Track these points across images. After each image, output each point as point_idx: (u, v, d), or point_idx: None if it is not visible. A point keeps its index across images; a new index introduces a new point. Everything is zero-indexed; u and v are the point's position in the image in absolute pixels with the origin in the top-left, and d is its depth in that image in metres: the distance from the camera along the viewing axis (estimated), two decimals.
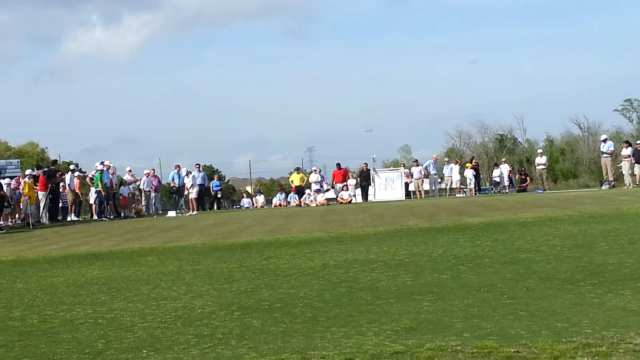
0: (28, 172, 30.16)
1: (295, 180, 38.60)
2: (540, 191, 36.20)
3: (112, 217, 31.26)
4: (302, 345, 7.21)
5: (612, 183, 30.92)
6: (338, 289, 10.65)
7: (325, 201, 35.66)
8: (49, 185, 29.97)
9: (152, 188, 35.18)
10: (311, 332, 7.86)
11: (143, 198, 35.23)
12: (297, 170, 43.15)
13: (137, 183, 34.74)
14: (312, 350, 6.93)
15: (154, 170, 37.85)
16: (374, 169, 39.57)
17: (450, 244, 15.08)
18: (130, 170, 35.15)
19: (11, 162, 35.40)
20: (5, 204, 28.12)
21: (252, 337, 7.80)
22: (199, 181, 34.96)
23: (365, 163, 39.69)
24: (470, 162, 40.91)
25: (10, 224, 28.36)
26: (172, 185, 36.31)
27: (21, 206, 29.52)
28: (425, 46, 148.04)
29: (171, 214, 31.76)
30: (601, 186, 32.20)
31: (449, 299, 9.36)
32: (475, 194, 37.73)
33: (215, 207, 37.85)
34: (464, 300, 9.19)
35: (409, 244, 15.51)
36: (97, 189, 30.96)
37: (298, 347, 7.13)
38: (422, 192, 37.17)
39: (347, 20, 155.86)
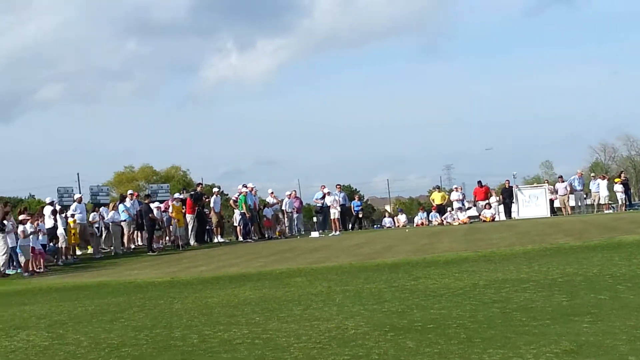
0: (176, 195, 31.29)
1: (437, 198, 38.38)
2: None
3: (256, 238, 31.95)
4: None
5: None
6: (491, 310, 10.47)
7: (468, 219, 35.25)
8: (196, 208, 31.01)
9: (294, 209, 35.76)
10: (468, 354, 7.76)
11: (285, 219, 35.85)
12: (438, 188, 42.90)
13: (279, 204, 35.39)
14: None
15: (295, 191, 38.51)
16: (516, 185, 38.84)
17: (605, 262, 14.58)
18: (272, 192, 35.86)
19: (162, 187, 36.90)
20: (156, 227, 29.28)
21: (408, 358, 7.78)
22: (340, 201, 35.28)
23: (507, 180, 39.05)
24: (619, 177, 39.47)
25: (161, 246, 29.47)
26: (317, 203, 36.73)
27: (170, 229, 30.66)
28: (563, 58, 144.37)
29: (314, 234, 32.17)
30: None
31: (610, 320, 9.04)
32: (625, 209, 36.36)
33: (357, 227, 38.04)
34: (626, 321, 8.85)
35: (560, 262, 15.10)
36: (242, 211, 31.74)
37: None
38: (569, 209, 36.16)
39: (481, 35, 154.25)
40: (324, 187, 36.99)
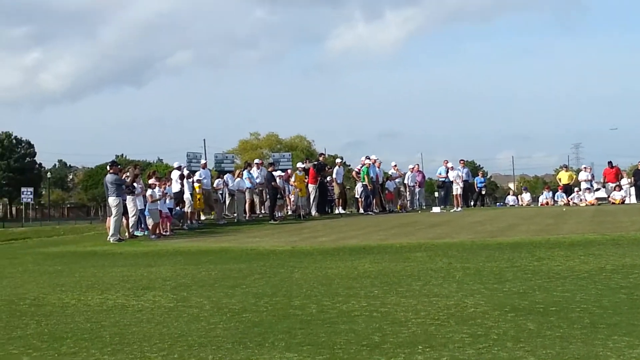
0: (299, 165, 31.59)
1: (563, 178, 37.36)
2: None
3: (377, 211, 31.97)
4: (582, 353, 6.94)
5: None
6: (617, 295, 10.14)
7: (596, 201, 34.20)
8: (319, 179, 31.27)
9: (416, 183, 35.58)
10: (591, 340, 7.54)
11: (407, 193, 35.73)
12: (565, 167, 41.76)
13: (402, 178, 35.26)
14: (593, 358, 6.67)
15: (417, 165, 38.28)
16: None
17: None
18: (395, 165, 35.74)
19: (284, 156, 37.29)
20: (279, 195, 29.70)
21: (528, 340, 7.63)
22: (463, 177, 34.85)
23: (639, 161, 37.58)
24: None
25: (282, 215, 29.90)
26: (439, 178, 36.47)
27: (291, 198, 31.05)
28: None
29: (436, 209, 31.95)
30: None
31: None
32: None
33: (479, 204, 37.54)
34: None
35: None
36: (364, 183, 31.79)
37: (578, 354, 6.87)
38: None
39: (615, 9, 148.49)
40: (447, 162, 36.61)
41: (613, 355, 6.80)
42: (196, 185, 28.05)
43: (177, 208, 27.04)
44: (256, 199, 31.01)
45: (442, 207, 33.12)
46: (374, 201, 32.48)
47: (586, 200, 34.03)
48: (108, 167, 24.79)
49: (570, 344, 7.42)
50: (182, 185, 27.36)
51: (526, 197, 40.42)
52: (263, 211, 31.48)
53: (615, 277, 11.77)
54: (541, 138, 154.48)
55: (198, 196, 27.85)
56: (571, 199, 34.83)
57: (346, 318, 9.34)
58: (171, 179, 27.49)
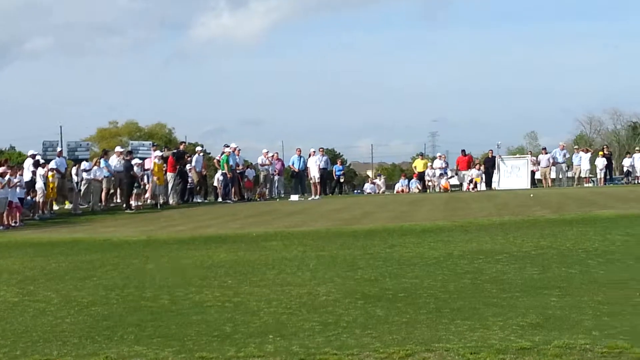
0: (157, 153, 31.04)
1: (419, 166, 38.30)
2: None
3: (236, 199, 31.87)
4: (427, 337, 7.18)
5: None
6: (462, 280, 10.54)
7: (449, 185, 35.31)
8: (178, 167, 30.86)
9: (275, 171, 35.64)
10: (435, 324, 7.82)
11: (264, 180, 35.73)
12: (421, 155, 42.92)
13: (269, 165, 35.15)
14: (436, 342, 6.89)
15: (277, 153, 38.33)
16: (499, 155, 38.90)
17: (579, 237, 14.68)
18: (266, 152, 35.56)
19: (143, 144, 36.54)
20: (135, 184, 29.12)
21: (376, 327, 7.82)
22: (322, 165, 35.16)
23: (490, 150, 39.13)
24: (602, 151, 39.59)
25: (139, 204, 29.35)
26: (292, 169, 36.71)
27: (149, 186, 30.51)
28: (557, 32, 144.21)
29: (294, 197, 32.13)
30: None
31: (578, 294, 9.12)
32: (604, 183, 36.54)
33: (337, 192, 38.01)
34: (594, 296, 8.93)
35: (535, 235, 15.19)
36: (223, 171, 31.60)
37: (422, 339, 7.10)
38: (549, 181, 36.28)
39: (479, 5, 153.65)
40: (300, 151, 36.92)
41: (455, 338, 7.06)
42: (50, 174, 27.12)
43: (29, 197, 26.07)
44: (113, 188, 30.29)
45: (300, 195, 33.36)
46: (233, 189, 32.38)
47: (441, 185, 35.10)
48: None
49: (415, 329, 7.66)
50: (34, 173, 26.39)
51: (379, 182, 41.41)
52: (120, 200, 30.80)
53: (462, 262, 12.23)
54: (399, 127, 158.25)
55: (51, 185, 26.94)
56: (427, 183, 35.82)
57: (198, 309, 9.30)
58: (23, 168, 26.45)
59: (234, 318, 8.61)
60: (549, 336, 6.90)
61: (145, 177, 30.23)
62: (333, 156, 56.25)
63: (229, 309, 9.17)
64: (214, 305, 9.47)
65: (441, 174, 36.09)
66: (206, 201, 32.19)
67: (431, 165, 36.91)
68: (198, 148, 38.04)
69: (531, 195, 24.58)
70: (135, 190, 29.05)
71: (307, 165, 34.88)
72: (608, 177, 37.82)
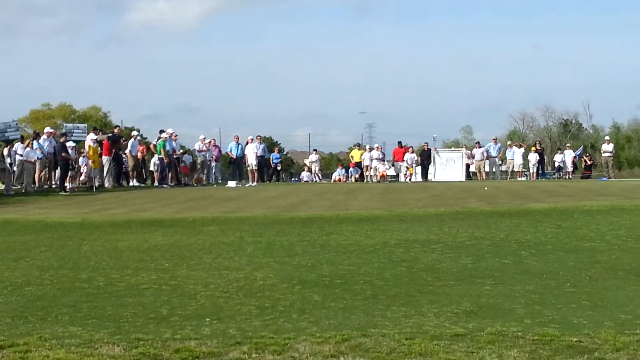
0: (92, 136, 30.61)
1: (356, 156, 38.53)
2: (604, 179, 35.63)
3: (172, 184, 31.65)
4: (363, 323, 7.27)
5: None
6: (398, 268, 10.67)
7: (386, 173, 35.62)
8: (113, 150, 30.50)
9: (212, 157, 35.49)
10: (371, 310, 7.91)
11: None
12: (358, 146, 43.08)
13: (207, 152, 34.98)
14: (372, 328, 6.98)
15: (214, 139, 38.16)
16: (434, 148, 39.35)
17: (513, 228, 14.97)
18: (203, 138, 35.38)
19: (78, 126, 35.92)
20: (70, 166, 28.69)
21: (313, 312, 7.88)
22: (259, 152, 35.13)
23: (426, 142, 39.55)
24: (535, 146, 40.41)
25: (74, 186, 28.93)
26: (230, 156, 36.61)
27: (83, 169, 30.10)
28: (494, 27, 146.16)
29: (231, 184, 32.04)
30: None
31: (510, 284, 9.32)
32: (537, 178, 37.29)
33: (274, 179, 38.03)
34: (526, 286, 9.14)
35: (470, 226, 15.43)
36: (160, 156, 31.35)
37: (358, 324, 7.18)
38: (484, 174, 36.85)
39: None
40: (238, 138, 36.84)
41: (390, 324, 7.16)
42: None
43: None
44: (46, 170, 29.77)
45: (237, 181, 33.27)
46: (170, 174, 32.15)
47: (379, 171, 35.42)
48: None
49: (352, 314, 7.74)
50: None
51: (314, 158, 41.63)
52: (54, 182, 30.29)
53: (398, 251, 12.37)
54: (337, 117, 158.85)
55: None
56: (364, 162, 36.14)
57: (134, 291, 9.23)
58: None
59: (170, 301, 8.58)
60: (482, 323, 7.04)
61: (81, 159, 29.83)
62: (271, 144, 56.17)
63: (166, 292, 9.13)
64: (150, 288, 9.41)
65: (379, 161, 36.29)
66: (142, 185, 31.85)
67: (369, 152, 37.14)
68: (134, 132, 37.70)
69: (485, 188, 24.84)
70: (69, 173, 28.63)
71: (245, 153, 34.82)
72: (540, 171, 38.61)
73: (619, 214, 16.89)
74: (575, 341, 6.31)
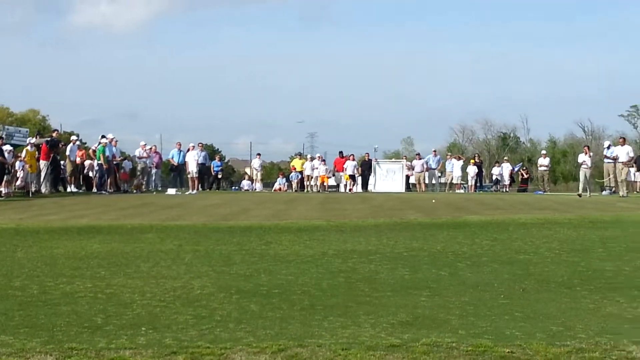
0: (30, 140, 30.14)
1: (297, 165, 38.68)
2: (540, 192, 36.30)
3: (111, 190, 31.30)
4: (300, 333, 7.29)
5: (613, 189, 30.70)
6: (336, 279, 10.72)
7: (326, 178, 35.89)
8: (52, 155, 30.03)
9: (153, 164, 35.22)
10: (309, 320, 7.94)
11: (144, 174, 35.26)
12: (300, 155, 43.22)
13: (147, 158, 34.68)
14: (309, 338, 7.00)
15: (155, 146, 37.91)
16: (375, 159, 39.67)
17: (450, 240, 15.15)
18: (144, 145, 35.11)
19: (19, 130, 35.35)
20: (6, 171, 28.16)
21: (250, 322, 7.88)
22: (200, 160, 34.98)
23: (366, 153, 39.85)
24: (474, 159, 41.01)
25: (9, 191, 28.41)
26: (171, 163, 36.39)
27: (19, 174, 29.57)
28: (436, 40, 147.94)
29: (171, 191, 31.81)
30: (602, 191, 32.12)
31: (446, 295, 9.44)
32: (475, 190, 37.82)
33: (215, 188, 37.89)
34: (461, 297, 9.27)
35: (408, 237, 15.58)
36: (99, 162, 30.98)
37: (295, 334, 7.20)
38: (423, 186, 37.23)
39: (357, 9, 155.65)
40: (180, 145, 36.70)
41: (327, 334, 7.19)
42: None
43: None
44: None
45: (177, 189, 33.05)
46: (109, 180, 31.79)
47: (319, 174, 35.77)
48: None
49: (289, 324, 7.76)
50: None
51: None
52: None
53: (336, 261, 12.43)
54: (279, 126, 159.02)
55: None
56: (305, 168, 36.40)
57: (69, 299, 9.12)
58: None
59: (106, 309, 8.49)
60: (418, 334, 7.12)
61: (17, 163, 29.32)
62: (212, 152, 55.96)
63: (101, 301, 9.04)
64: (85, 296, 9.31)
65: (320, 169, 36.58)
66: (80, 191, 31.41)
67: (310, 161, 37.37)
68: (73, 137, 37.24)
69: (433, 200, 25.01)
70: (5, 177, 28.10)
71: (186, 160, 34.65)
72: (478, 184, 39.23)
73: (553, 227, 17.22)
74: (508, 352, 6.42)
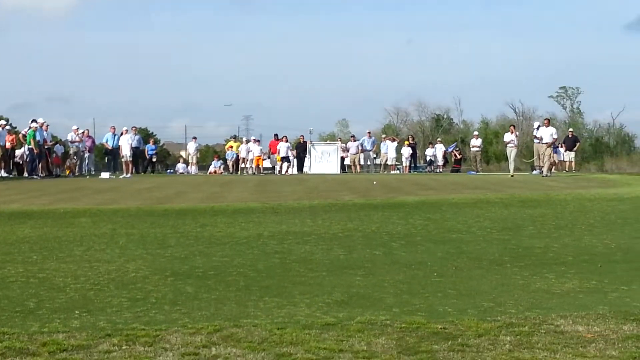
0: None
1: (233, 148, 38.55)
2: (473, 172, 36.87)
3: (43, 175, 30.79)
4: (235, 313, 7.31)
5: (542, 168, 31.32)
6: (271, 260, 10.76)
7: (261, 160, 35.94)
8: None
9: (86, 148, 34.76)
10: (244, 301, 7.96)
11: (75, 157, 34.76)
12: (235, 138, 43.09)
13: (81, 142, 34.20)
14: (244, 318, 7.03)
15: (87, 130, 37.40)
16: (310, 141, 39.79)
17: (384, 220, 15.31)
18: (77, 129, 34.58)
19: None
20: None
21: (185, 303, 7.87)
22: (134, 144, 34.63)
23: (302, 135, 39.94)
24: (408, 140, 41.42)
25: None
26: (105, 147, 35.96)
27: None
28: (369, 22, 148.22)
29: (104, 175, 31.45)
30: (532, 171, 32.77)
31: (381, 274, 9.56)
32: (409, 171, 38.23)
33: (149, 171, 37.56)
34: (395, 276, 9.39)
35: (343, 218, 15.68)
36: (30, 147, 30.44)
37: (231, 315, 7.22)
38: (358, 167, 37.48)
39: None
40: (114, 129, 36.25)
41: (262, 314, 7.23)
42: None
43: None
44: None
45: (111, 172, 32.68)
46: (40, 165, 31.27)
47: (254, 154, 35.83)
48: None
49: (224, 305, 7.78)
50: None
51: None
52: None
53: (271, 242, 12.46)
54: (213, 108, 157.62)
55: None
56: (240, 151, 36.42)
57: (0, 284, 8.97)
58: None
59: (38, 294, 8.39)
60: (353, 313, 7.20)
61: None
62: (146, 135, 55.38)
63: (33, 285, 8.92)
64: (17, 281, 9.17)
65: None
66: (10, 176, 30.81)
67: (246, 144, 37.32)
68: (2, 122, 36.46)
69: (374, 182, 25.12)
70: None
71: (120, 144, 34.24)
72: (412, 165, 39.66)
73: (485, 207, 17.54)
74: (440, 328, 6.55)
